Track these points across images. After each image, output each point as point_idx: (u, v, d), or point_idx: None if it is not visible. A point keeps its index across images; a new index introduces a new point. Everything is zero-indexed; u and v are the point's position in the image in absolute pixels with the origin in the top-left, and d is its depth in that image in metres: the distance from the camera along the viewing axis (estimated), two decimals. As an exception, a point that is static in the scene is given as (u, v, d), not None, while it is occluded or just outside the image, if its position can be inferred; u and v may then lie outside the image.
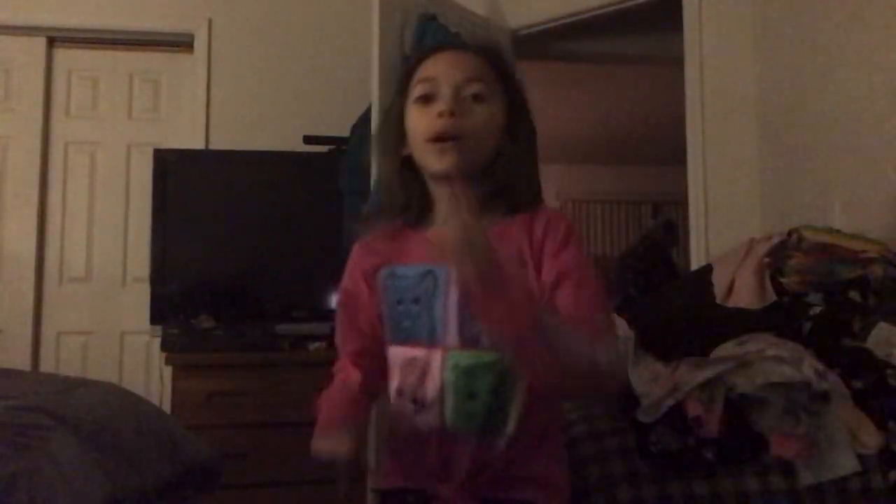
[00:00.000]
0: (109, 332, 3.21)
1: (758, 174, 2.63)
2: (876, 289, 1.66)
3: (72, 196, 3.26)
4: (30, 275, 3.15)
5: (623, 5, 2.97)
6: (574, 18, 3.12)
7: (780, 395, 1.45)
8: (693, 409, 1.46)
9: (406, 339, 1.05)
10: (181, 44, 3.34)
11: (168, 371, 2.61)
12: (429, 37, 2.71)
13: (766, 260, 1.88)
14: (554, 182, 6.84)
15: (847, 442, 1.45)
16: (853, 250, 1.77)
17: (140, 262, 3.12)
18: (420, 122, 1.04)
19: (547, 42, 3.44)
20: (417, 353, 1.03)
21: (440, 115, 1.01)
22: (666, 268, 4.68)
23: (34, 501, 1.18)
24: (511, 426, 0.99)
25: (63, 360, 3.17)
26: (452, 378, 1.00)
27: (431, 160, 1.03)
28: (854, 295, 1.65)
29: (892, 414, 1.48)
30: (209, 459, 1.80)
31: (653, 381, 1.56)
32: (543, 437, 1.05)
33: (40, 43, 3.27)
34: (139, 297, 2.99)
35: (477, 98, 1.04)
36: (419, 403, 1.03)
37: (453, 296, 1.00)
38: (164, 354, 2.64)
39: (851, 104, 2.14)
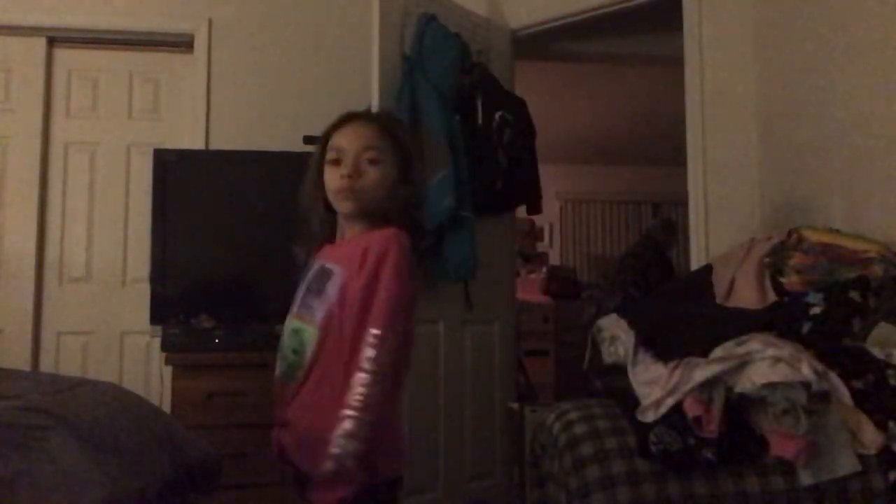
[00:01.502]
0: (109, 332, 3.21)
1: (758, 174, 2.63)
2: (876, 289, 1.66)
3: (72, 196, 3.26)
4: (30, 275, 3.15)
5: (623, 5, 2.97)
6: (574, 18, 3.12)
7: (780, 395, 1.45)
8: (693, 409, 1.46)
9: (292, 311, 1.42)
10: (181, 44, 3.34)
11: (168, 371, 2.61)
12: (429, 37, 2.71)
13: (766, 260, 1.88)
14: (554, 182, 6.84)
15: (847, 442, 1.45)
16: (853, 250, 1.77)
17: (140, 262, 3.12)
18: (331, 179, 1.39)
19: (547, 42, 3.44)
20: (289, 320, 1.41)
21: (341, 176, 1.36)
22: (663, 267, 4.69)
23: (34, 501, 1.18)
24: (301, 373, 1.33)
25: (63, 360, 3.17)
26: (289, 334, 1.37)
27: (338, 205, 1.39)
28: (854, 295, 1.65)
29: (892, 414, 1.48)
30: (209, 459, 1.80)
31: (653, 381, 1.57)
32: (327, 392, 1.29)
33: (40, 43, 3.27)
34: (139, 297, 2.99)
35: (372, 161, 1.37)
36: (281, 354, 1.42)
37: (308, 279, 1.40)
38: (164, 354, 2.64)
39: (851, 104, 2.14)
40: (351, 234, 1.40)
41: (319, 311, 1.32)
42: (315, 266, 1.39)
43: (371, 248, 1.31)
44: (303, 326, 1.34)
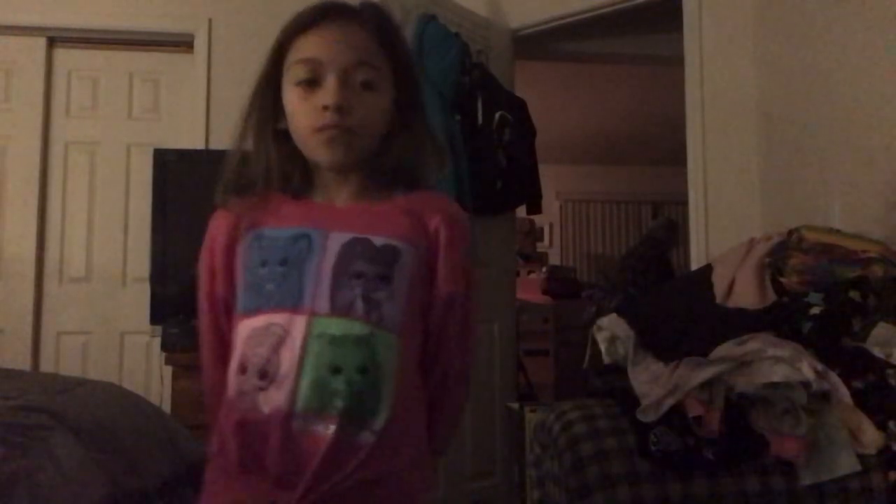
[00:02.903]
0: (109, 332, 3.21)
1: (758, 174, 2.63)
2: (876, 289, 1.66)
3: (72, 196, 3.26)
4: (30, 275, 3.15)
5: (623, 5, 2.97)
6: (574, 18, 3.12)
7: (780, 395, 1.45)
8: (693, 409, 1.46)
9: (264, 306, 0.91)
10: (181, 44, 3.34)
11: (168, 371, 2.61)
12: (428, 37, 2.71)
13: (766, 260, 1.88)
14: (554, 182, 6.85)
15: (847, 442, 1.45)
16: (853, 250, 1.77)
17: (140, 262, 3.12)
18: (302, 112, 0.94)
19: (547, 42, 3.44)
20: (276, 318, 0.90)
21: (325, 108, 0.92)
22: (663, 267, 4.69)
23: (34, 501, 1.18)
24: (384, 415, 0.87)
25: (63, 360, 3.17)
26: (316, 348, 0.87)
27: (317, 152, 0.95)
28: (854, 295, 1.65)
29: (892, 414, 1.48)
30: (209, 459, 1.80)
31: (653, 381, 1.57)
32: (413, 433, 0.94)
33: (40, 43, 3.27)
34: (139, 297, 2.99)
35: (366, 86, 0.94)
36: (268, 379, 0.87)
37: (330, 259, 0.91)
38: (164, 354, 2.64)
39: (851, 104, 2.14)
40: (349, 193, 0.98)
41: (392, 307, 0.91)
42: (325, 238, 0.93)
43: (453, 225, 0.98)
44: (371, 331, 0.89)
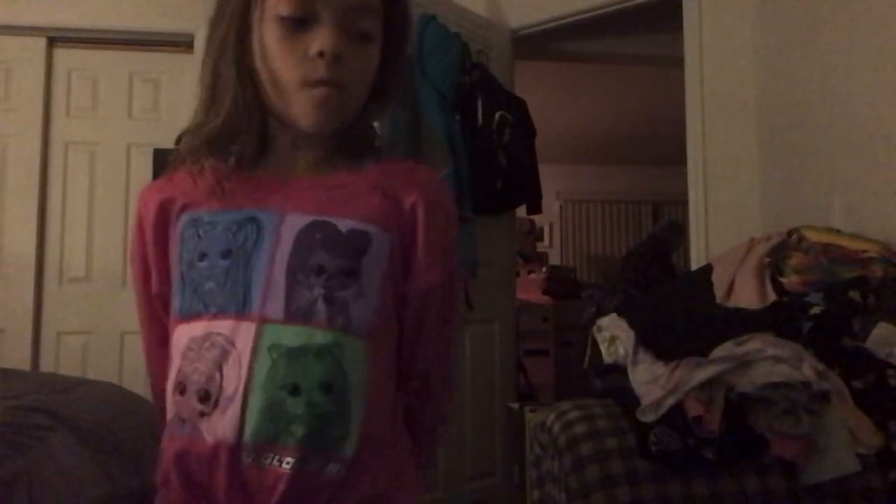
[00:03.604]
0: (109, 332, 3.21)
1: (758, 174, 2.63)
2: (876, 289, 1.66)
3: (72, 196, 3.26)
4: (30, 275, 3.15)
5: (623, 5, 2.97)
6: (574, 18, 3.12)
7: (780, 395, 1.45)
8: (693, 409, 1.46)
9: (204, 310, 0.75)
10: (181, 44, 3.34)
11: (168, 371, 2.61)
12: (428, 37, 2.71)
13: (766, 260, 1.88)
14: (554, 182, 6.85)
15: (847, 442, 1.45)
16: (853, 250, 1.77)
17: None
18: (287, 57, 0.75)
19: (547, 42, 3.44)
20: (218, 326, 0.74)
21: (322, 55, 0.74)
22: (664, 268, 4.70)
23: (34, 501, 1.18)
24: (354, 440, 0.73)
25: (63, 360, 3.17)
26: (268, 362, 0.72)
27: (301, 113, 0.76)
28: (854, 295, 1.65)
29: (892, 414, 1.48)
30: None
31: (653, 381, 1.56)
32: (391, 453, 0.80)
33: (40, 43, 3.27)
34: (139, 297, 2.99)
35: (365, 37, 0.77)
36: (210, 402, 0.72)
37: (284, 250, 0.75)
38: (164, 354, 2.64)
39: (851, 104, 2.14)
40: (307, 162, 0.81)
41: (361, 307, 0.75)
42: (267, 217, 0.77)
43: (433, 202, 0.81)
44: (335, 340, 0.74)
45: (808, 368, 1.45)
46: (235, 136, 0.80)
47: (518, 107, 3.03)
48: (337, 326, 0.74)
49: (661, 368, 1.58)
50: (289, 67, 0.76)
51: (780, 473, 1.44)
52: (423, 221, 0.81)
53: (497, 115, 2.88)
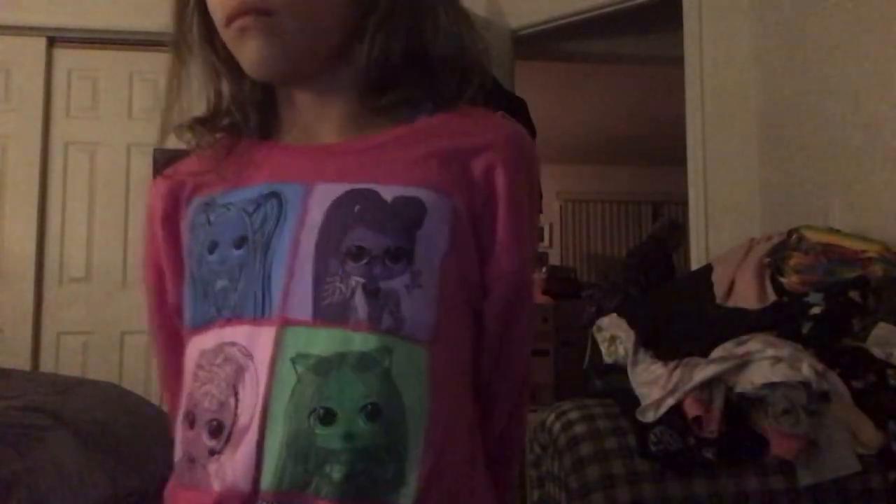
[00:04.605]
0: (109, 332, 3.21)
1: (758, 174, 2.63)
2: (876, 289, 1.66)
3: (72, 196, 3.26)
4: (30, 275, 3.15)
5: (623, 5, 2.97)
6: (574, 18, 3.12)
7: (780, 395, 1.44)
8: (693, 409, 1.46)
9: (217, 316, 0.60)
10: (181, 44, 3.34)
11: (168, 371, 2.61)
12: (429, 37, 2.70)
13: (766, 260, 1.88)
14: (554, 182, 6.85)
15: (847, 442, 1.45)
16: (853, 250, 1.77)
17: (140, 262, 3.12)
18: None
19: (547, 42, 3.44)
20: (233, 334, 0.58)
21: None
22: (665, 268, 4.70)
23: (34, 501, 1.18)
24: (413, 486, 0.54)
25: (63, 360, 3.17)
26: (292, 379, 0.55)
27: (236, 53, 0.63)
28: (854, 295, 1.65)
29: (892, 414, 1.48)
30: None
31: (653, 382, 1.56)
32: (470, 492, 0.60)
33: (40, 43, 3.27)
34: (139, 297, 2.98)
35: None
36: (222, 436, 0.56)
37: (312, 230, 0.59)
38: (164, 354, 2.64)
39: (851, 103, 2.14)
40: (333, 125, 0.65)
41: (416, 301, 0.57)
42: (287, 193, 0.61)
43: (516, 162, 0.64)
44: (383, 345, 0.56)
45: (808, 368, 1.45)
46: (235, 105, 0.67)
47: (518, 107, 3.03)
48: (383, 328, 0.56)
49: (660, 368, 1.58)
50: (213, 4, 0.62)
51: (780, 473, 1.44)
52: (505, 188, 0.62)
53: (497, 115, 2.88)
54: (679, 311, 1.85)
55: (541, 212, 3.21)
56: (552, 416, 1.63)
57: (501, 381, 0.67)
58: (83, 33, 3.29)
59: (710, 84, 2.71)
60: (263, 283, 0.59)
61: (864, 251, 1.76)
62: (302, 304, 0.57)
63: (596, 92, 5.40)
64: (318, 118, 0.66)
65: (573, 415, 1.58)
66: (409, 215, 0.58)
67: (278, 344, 0.56)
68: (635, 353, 1.66)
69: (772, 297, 1.77)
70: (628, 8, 2.98)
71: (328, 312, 0.56)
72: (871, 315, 1.63)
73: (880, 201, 2.01)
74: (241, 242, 0.61)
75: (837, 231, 1.92)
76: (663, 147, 5.38)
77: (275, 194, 0.61)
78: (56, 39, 3.30)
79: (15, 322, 3.13)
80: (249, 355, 0.57)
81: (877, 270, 1.70)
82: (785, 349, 1.49)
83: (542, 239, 7.16)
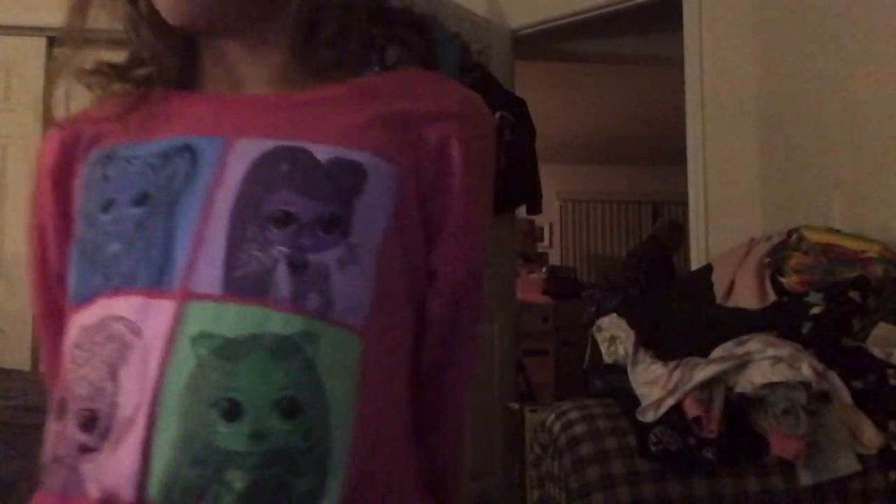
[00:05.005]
0: (109, 332, 3.21)
1: (758, 174, 2.63)
2: (876, 289, 1.66)
3: (72, 196, 3.26)
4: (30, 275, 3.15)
5: (623, 5, 2.97)
6: (574, 18, 3.12)
7: (780, 395, 1.45)
8: (693, 409, 1.46)
9: (102, 285, 0.50)
10: (181, 44, 3.34)
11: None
12: (429, 37, 2.71)
13: (766, 260, 1.88)
14: (554, 182, 6.85)
15: (847, 442, 1.45)
16: (853, 250, 1.77)
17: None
18: None
19: (547, 42, 3.44)
20: (119, 307, 0.48)
21: None
22: (665, 268, 4.70)
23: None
24: (334, 494, 0.45)
25: (63, 360, 3.17)
26: (191, 363, 0.45)
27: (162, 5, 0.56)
28: (854, 295, 1.65)
29: (892, 414, 1.48)
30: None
31: (653, 382, 1.56)
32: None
33: (40, 43, 3.27)
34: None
35: None
36: (96, 430, 0.46)
37: (230, 190, 0.50)
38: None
39: (851, 103, 2.14)
40: (267, 78, 0.57)
41: (351, 279, 0.49)
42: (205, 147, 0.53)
43: (475, 136, 0.58)
44: (307, 329, 0.47)
45: (808, 368, 1.45)
46: (153, 54, 0.59)
47: (518, 107, 3.03)
48: (310, 309, 0.47)
49: (660, 368, 1.58)
50: None
51: (780, 473, 1.44)
52: (461, 162, 0.55)
53: (497, 115, 2.88)
54: (679, 311, 1.85)
55: (540, 211, 3.22)
56: (552, 416, 1.63)
57: (444, 388, 0.57)
58: (83, 33, 3.29)
59: (710, 84, 2.71)
60: (164, 247, 0.49)
61: (864, 251, 1.76)
62: (210, 274, 0.47)
63: (596, 92, 5.40)
64: (246, 70, 0.57)
65: (573, 415, 1.58)
66: (346, 180, 0.50)
67: (178, 320, 0.46)
68: (635, 353, 1.66)
69: (772, 297, 1.78)
70: (628, 8, 2.98)
71: (242, 286, 0.47)
72: (871, 315, 1.63)
73: (880, 201, 2.01)
74: (141, 199, 0.51)
75: (837, 231, 1.92)
76: (663, 147, 5.38)
77: (188, 148, 0.52)
78: (56, 39, 3.30)
79: (15, 322, 3.13)
80: (138, 332, 0.46)
81: (877, 270, 1.70)
82: (785, 349, 1.49)
83: (541, 239, 7.16)
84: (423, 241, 0.55)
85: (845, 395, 1.49)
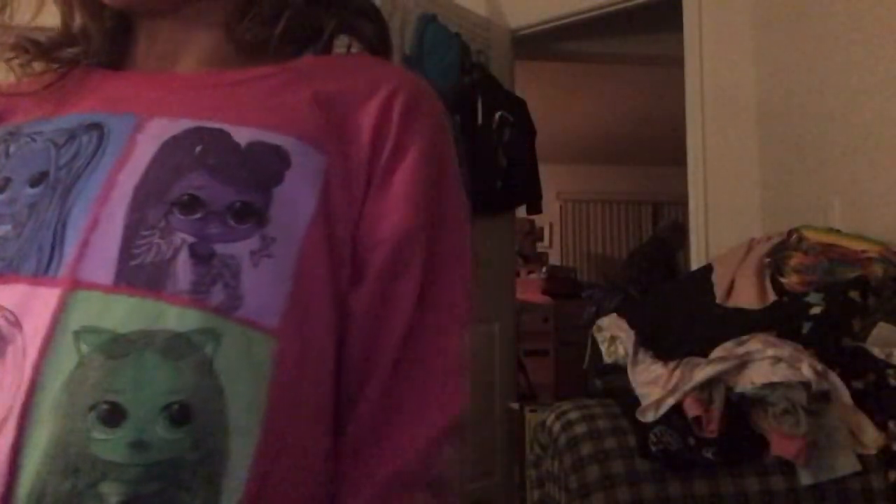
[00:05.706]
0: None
1: (758, 174, 2.63)
2: (876, 289, 1.66)
3: (72, 196, 3.26)
4: (30, 275, 3.16)
5: (623, 5, 2.97)
6: (574, 18, 3.12)
7: (780, 395, 1.45)
8: (693, 409, 1.46)
9: None
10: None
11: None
12: (429, 37, 2.71)
13: (767, 260, 1.88)
14: (554, 182, 6.84)
15: (847, 442, 1.45)
16: (853, 250, 1.77)
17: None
18: None
19: (547, 42, 3.44)
20: (2, 296, 0.43)
21: None
22: (667, 268, 4.71)
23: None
24: None
25: (63, 360, 3.17)
26: (72, 360, 0.40)
27: None
28: (854, 295, 1.65)
29: (892, 414, 1.48)
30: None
31: (653, 382, 1.57)
32: None
33: (40, 43, 3.27)
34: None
35: None
36: None
37: (135, 171, 0.46)
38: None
39: (851, 104, 2.14)
40: (197, 59, 0.55)
41: (265, 274, 0.44)
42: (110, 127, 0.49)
43: (414, 108, 0.52)
44: (208, 325, 0.41)
45: (808, 368, 1.45)
46: (82, 34, 0.56)
47: (518, 107, 3.03)
48: (212, 304, 0.42)
49: (660, 368, 1.58)
50: None
51: (780, 473, 1.44)
52: (394, 145, 0.50)
53: (497, 115, 2.88)
54: (679, 311, 1.85)
55: (540, 211, 3.22)
56: (552, 416, 1.63)
57: (361, 386, 0.48)
58: (83, 33, 3.30)
59: (710, 84, 2.71)
60: (55, 231, 0.44)
61: (864, 251, 1.76)
62: (102, 262, 0.43)
63: (596, 92, 5.40)
64: (177, 49, 0.55)
65: (573, 415, 1.58)
66: (266, 166, 0.46)
67: (59, 312, 0.41)
68: (635, 353, 1.66)
69: (772, 297, 1.78)
70: (628, 8, 2.98)
71: (136, 276, 0.42)
72: (871, 315, 1.63)
73: (880, 201, 2.01)
74: (39, 179, 0.47)
75: (837, 231, 1.93)
76: (663, 147, 5.38)
77: (96, 125, 0.49)
78: None
79: (15, 322, 3.14)
80: (17, 324, 0.41)
81: (877, 270, 1.70)
82: (785, 349, 1.49)
83: (541, 239, 7.16)
84: (351, 234, 0.49)
85: (845, 395, 1.49)
